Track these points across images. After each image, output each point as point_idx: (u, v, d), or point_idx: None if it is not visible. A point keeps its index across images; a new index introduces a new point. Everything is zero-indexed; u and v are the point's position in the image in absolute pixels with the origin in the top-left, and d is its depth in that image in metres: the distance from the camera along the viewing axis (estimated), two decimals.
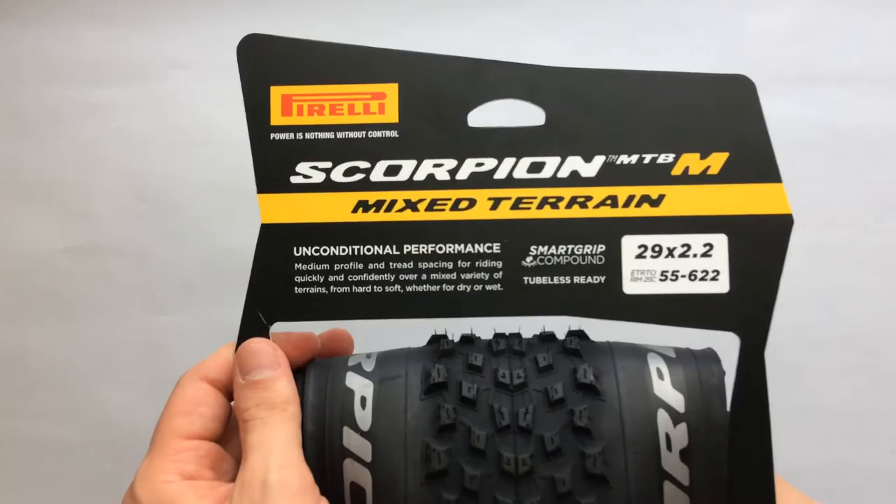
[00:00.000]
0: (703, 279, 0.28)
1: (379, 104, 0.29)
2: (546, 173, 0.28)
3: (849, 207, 0.47)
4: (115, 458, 0.51)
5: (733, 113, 0.28)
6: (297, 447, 0.26)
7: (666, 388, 0.27)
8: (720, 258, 0.28)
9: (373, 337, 0.32)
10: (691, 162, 0.28)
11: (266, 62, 0.29)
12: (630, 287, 0.28)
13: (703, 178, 0.28)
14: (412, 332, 0.31)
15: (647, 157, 0.28)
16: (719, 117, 0.28)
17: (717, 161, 0.28)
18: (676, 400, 0.27)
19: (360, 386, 0.28)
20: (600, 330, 0.30)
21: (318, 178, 0.29)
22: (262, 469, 0.25)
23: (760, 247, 0.27)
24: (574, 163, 0.28)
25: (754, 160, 0.28)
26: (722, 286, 0.28)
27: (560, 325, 0.30)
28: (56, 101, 0.51)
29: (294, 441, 0.26)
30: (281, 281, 0.29)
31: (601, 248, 0.28)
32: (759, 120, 0.28)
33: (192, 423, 0.28)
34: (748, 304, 0.27)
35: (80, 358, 0.51)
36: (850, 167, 0.47)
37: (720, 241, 0.28)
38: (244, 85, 0.29)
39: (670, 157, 0.28)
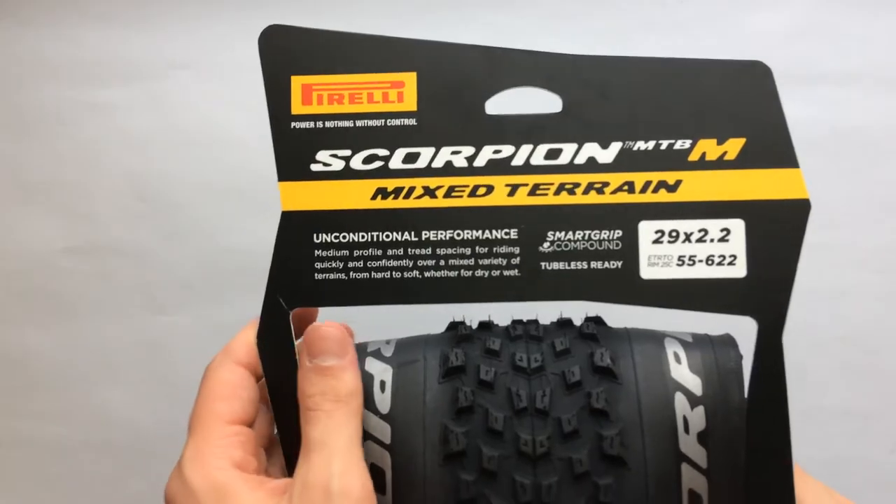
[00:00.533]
0: (720, 264, 0.28)
1: (397, 92, 0.29)
2: (563, 160, 0.28)
3: (849, 207, 0.47)
4: (115, 458, 0.51)
5: (749, 99, 0.28)
6: (359, 447, 0.26)
7: (683, 372, 0.27)
8: (737, 243, 0.28)
9: (393, 326, 0.33)
10: (708, 148, 0.28)
11: (287, 53, 0.29)
12: (647, 272, 0.28)
13: (720, 164, 0.28)
14: (431, 321, 0.31)
15: (664, 144, 0.28)
16: (736, 103, 0.28)
17: (733, 147, 0.28)
18: (694, 383, 0.27)
19: (379, 370, 0.28)
20: (618, 317, 0.30)
21: (338, 165, 0.29)
22: (325, 474, 0.25)
23: (778, 231, 0.27)
24: (591, 149, 0.28)
25: (771, 145, 0.28)
26: (739, 271, 0.28)
27: (578, 313, 0.30)
28: (56, 101, 0.51)
29: (356, 440, 0.26)
30: (301, 267, 0.29)
31: (618, 233, 0.28)
32: (776, 105, 0.28)
33: (234, 408, 0.28)
34: (765, 289, 0.27)
35: (80, 358, 0.51)
36: (850, 167, 0.47)
37: (737, 226, 0.28)
38: (265, 75, 0.30)
39: (687, 143, 0.28)
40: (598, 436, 0.26)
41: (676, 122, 0.28)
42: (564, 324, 0.30)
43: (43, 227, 0.51)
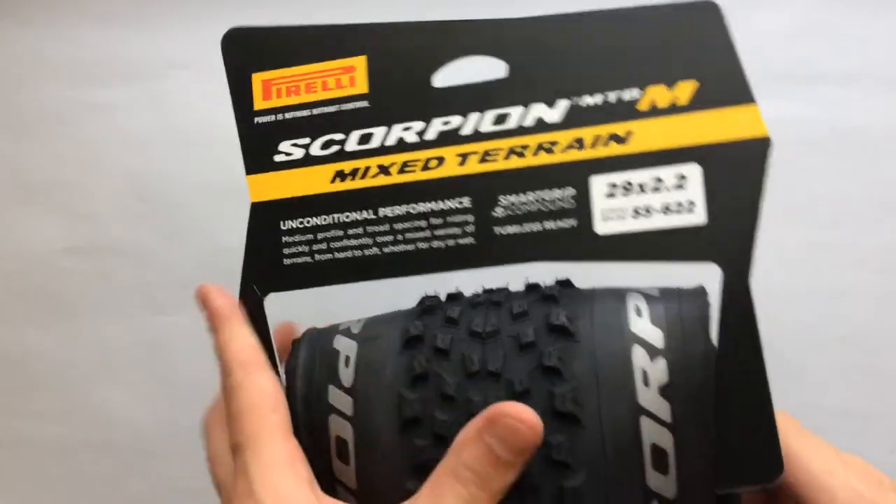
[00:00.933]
0: (678, 212, 0.27)
1: (349, 77, 0.30)
2: (511, 124, 0.28)
3: (849, 207, 0.47)
4: (116, 458, 0.51)
5: (699, 39, 0.27)
6: None
7: (643, 325, 0.26)
8: (695, 189, 0.27)
9: (380, 307, 0.33)
10: (657, 95, 0.27)
11: (247, 52, 0.30)
12: (602, 227, 0.27)
13: (672, 110, 0.27)
14: (408, 297, 0.32)
15: (612, 95, 0.28)
16: (685, 46, 0.27)
17: (684, 90, 0.27)
18: (654, 335, 0.26)
19: (345, 346, 0.29)
20: (597, 279, 0.30)
21: (299, 154, 0.30)
22: None
23: (737, 173, 0.26)
24: (538, 110, 0.28)
25: (724, 84, 0.27)
26: (698, 217, 0.27)
27: (550, 277, 0.30)
28: (56, 101, 0.51)
29: None
30: (271, 255, 0.30)
31: (571, 191, 0.28)
32: (727, 43, 0.27)
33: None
34: (728, 233, 0.26)
35: (80, 358, 0.51)
36: (850, 167, 0.47)
37: (694, 172, 0.27)
38: (229, 76, 0.31)
39: (635, 92, 0.28)
40: (550, 394, 0.26)
41: (624, 72, 0.28)
42: (531, 288, 0.30)
43: (43, 227, 0.51)
